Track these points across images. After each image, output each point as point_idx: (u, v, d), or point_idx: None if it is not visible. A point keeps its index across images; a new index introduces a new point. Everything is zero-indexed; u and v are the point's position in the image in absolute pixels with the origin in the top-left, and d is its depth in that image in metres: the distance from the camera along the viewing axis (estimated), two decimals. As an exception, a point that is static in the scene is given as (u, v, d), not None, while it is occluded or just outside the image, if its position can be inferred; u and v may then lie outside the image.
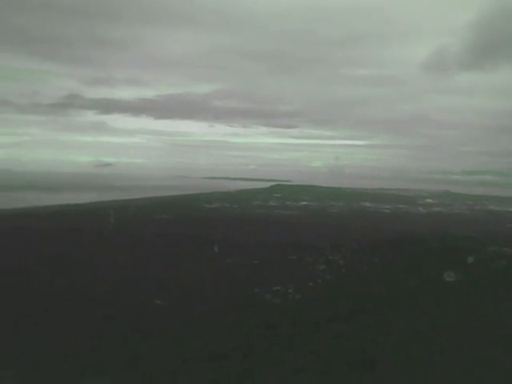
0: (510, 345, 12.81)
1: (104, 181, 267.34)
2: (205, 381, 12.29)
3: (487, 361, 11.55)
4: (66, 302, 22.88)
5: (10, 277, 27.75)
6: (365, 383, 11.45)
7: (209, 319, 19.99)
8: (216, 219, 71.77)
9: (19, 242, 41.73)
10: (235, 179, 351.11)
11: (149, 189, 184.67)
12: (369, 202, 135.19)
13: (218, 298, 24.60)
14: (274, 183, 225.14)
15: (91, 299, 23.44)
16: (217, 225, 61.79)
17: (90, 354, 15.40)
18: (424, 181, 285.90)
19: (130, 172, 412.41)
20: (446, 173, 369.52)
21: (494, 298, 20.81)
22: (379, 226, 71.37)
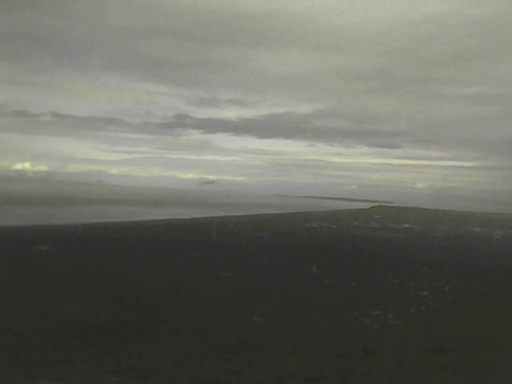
0: None
1: (207, 197, 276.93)
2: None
3: None
4: (167, 311, 23.69)
5: (139, 283, 29.34)
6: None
7: (306, 339, 19.73)
8: (315, 239, 71.35)
9: (137, 252, 44.18)
10: (335, 199, 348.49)
11: (249, 206, 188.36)
12: (478, 226, 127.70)
13: (316, 318, 24.26)
14: (375, 204, 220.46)
15: (189, 310, 24.09)
16: (315, 244, 61.39)
17: (187, 367, 15.75)
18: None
19: (232, 189, 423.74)
20: None
21: None
22: (489, 252, 67.03)
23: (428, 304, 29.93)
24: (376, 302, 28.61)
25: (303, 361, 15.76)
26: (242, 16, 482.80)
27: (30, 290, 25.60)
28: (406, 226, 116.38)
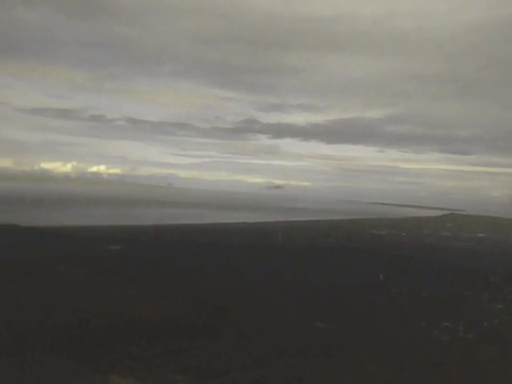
0: None
1: (273, 202, 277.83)
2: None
3: None
4: (231, 313, 23.96)
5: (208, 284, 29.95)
6: None
7: (371, 348, 19.37)
8: (382, 246, 69.85)
9: (205, 254, 45.17)
10: (405, 206, 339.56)
11: (315, 212, 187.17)
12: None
13: (382, 327, 23.76)
14: (447, 212, 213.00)
15: (253, 313, 24.25)
16: (383, 252, 60.08)
17: (250, 369, 15.89)
18: None
19: (298, 194, 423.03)
20: None
21: None
22: None
23: (502, 317, 28.62)
24: (446, 314, 27.66)
25: (368, 370, 15.52)
26: (312, 21, 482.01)
27: (102, 288, 26.69)
28: (480, 235, 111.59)
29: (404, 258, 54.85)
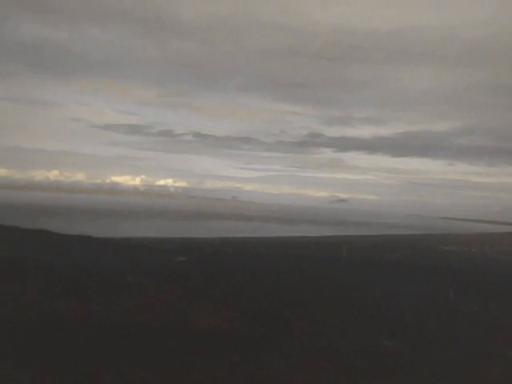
0: None
1: (338, 216, 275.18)
2: None
3: None
4: (295, 326, 23.73)
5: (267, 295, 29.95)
6: None
7: (442, 369, 18.60)
8: (452, 263, 67.33)
9: (267, 267, 45.22)
10: (476, 221, 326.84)
11: (381, 226, 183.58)
12: None
13: (452, 347, 22.78)
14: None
15: (318, 328, 23.90)
16: (453, 269, 57.84)
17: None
18: None
19: (363, 208, 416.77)
20: None
21: None
22: None
23: None
24: (522, 336, 26.18)
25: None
26: (379, 33, 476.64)
27: (169, 298, 27.22)
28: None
29: (475, 275, 52.55)
